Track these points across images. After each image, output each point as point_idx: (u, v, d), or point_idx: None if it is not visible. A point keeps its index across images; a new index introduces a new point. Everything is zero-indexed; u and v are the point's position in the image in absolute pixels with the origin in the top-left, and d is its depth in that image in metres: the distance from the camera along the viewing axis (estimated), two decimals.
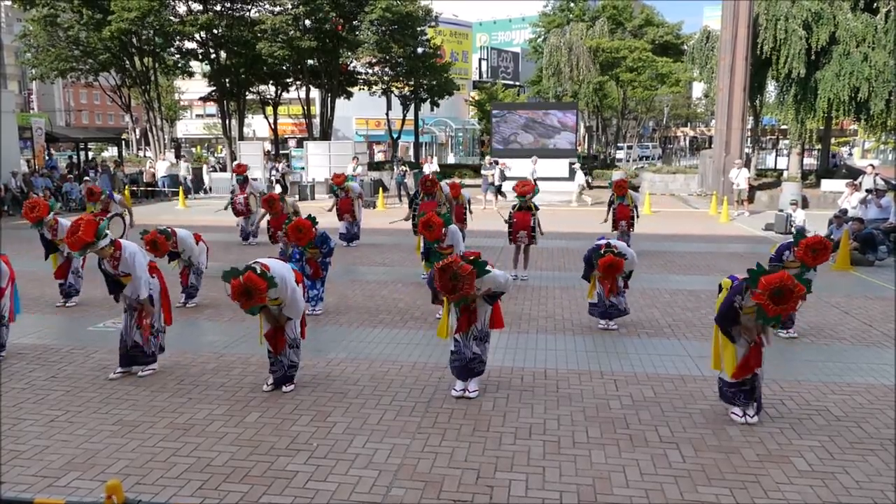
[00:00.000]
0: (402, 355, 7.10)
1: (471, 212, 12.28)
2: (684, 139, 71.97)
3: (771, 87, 28.24)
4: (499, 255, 12.27)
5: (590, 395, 5.99)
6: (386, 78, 34.04)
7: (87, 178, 23.98)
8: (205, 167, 30.84)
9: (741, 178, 21.00)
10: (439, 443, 5.05)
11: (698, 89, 61.57)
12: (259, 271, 5.51)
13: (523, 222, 10.46)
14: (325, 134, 32.67)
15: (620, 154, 47.17)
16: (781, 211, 17.59)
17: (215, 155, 43.37)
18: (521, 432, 5.24)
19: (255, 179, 15.07)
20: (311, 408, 5.69)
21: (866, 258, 12.47)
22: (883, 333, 7.99)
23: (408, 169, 25.87)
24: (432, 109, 37.23)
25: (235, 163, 19.69)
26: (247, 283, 5.41)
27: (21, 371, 6.63)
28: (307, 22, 29.53)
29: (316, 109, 35.59)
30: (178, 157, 31.18)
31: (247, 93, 34.04)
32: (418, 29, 32.63)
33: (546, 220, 11.43)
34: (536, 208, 10.82)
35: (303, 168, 28.24)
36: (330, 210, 14.45)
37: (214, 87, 32.61)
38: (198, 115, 61.23)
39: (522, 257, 11.01)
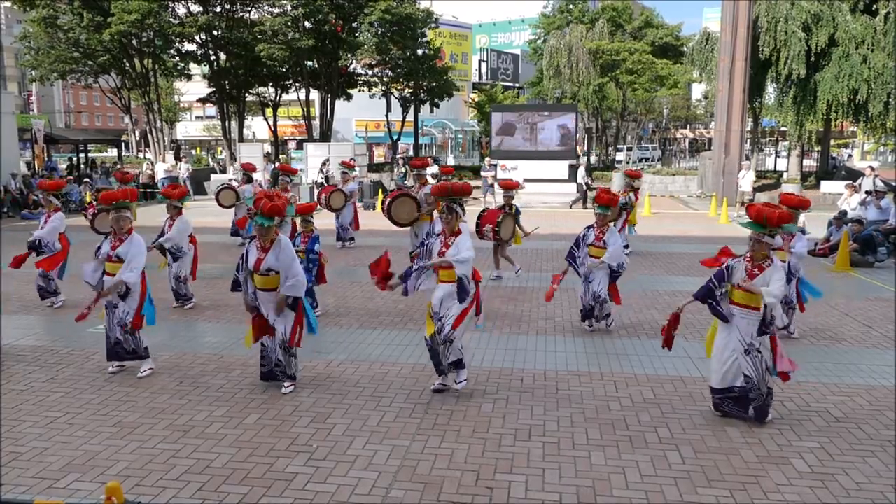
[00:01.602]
0: (401, 357, 7.10)
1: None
2: (684, 141, 72.00)
3: (770, 89, 28.29)
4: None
5: (589, 397, 5.99)
6: (385, 79, 34.05)
7: (87, 179, 24.02)
8: (231, 168, 29.57)
9: (746, 180, 20.97)
10: (439, 444, 5.05)
11: (698, 91, 61.77)
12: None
13: (490, 218, 10.35)
14: (325, 136, 32.67)
15: (620, 156, 47.18)
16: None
17: (216, 157, 43.27)
18: (521, 434, 5.24)
19: (256, 180, 15.34)
20: (310, 409, 5.69)
21: (866, 259, 12.48)
22: (883, 335, 8.00)
23: (408, 170, 25.85)
24: (432, 111, 37.25)
25: (243, 162, 20.18)
26: (275, 194, 6.24)
27: (20, 373, 6.62)
28: (307, 23, 29.54)
29: (315, 111, 35.61)
30: (177, 158, 31.09)
31: (246, 94, 34.04)
32: (418, 31, 32.62)
33: (544, 222, 11.43)
34: (518, 211, 10.86)
35: (302, 170, 28.23)
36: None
37: (214, 89, 32.62)
38: (197, 117, 61.24)
39: (500, 257, 11.02)
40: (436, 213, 8.45)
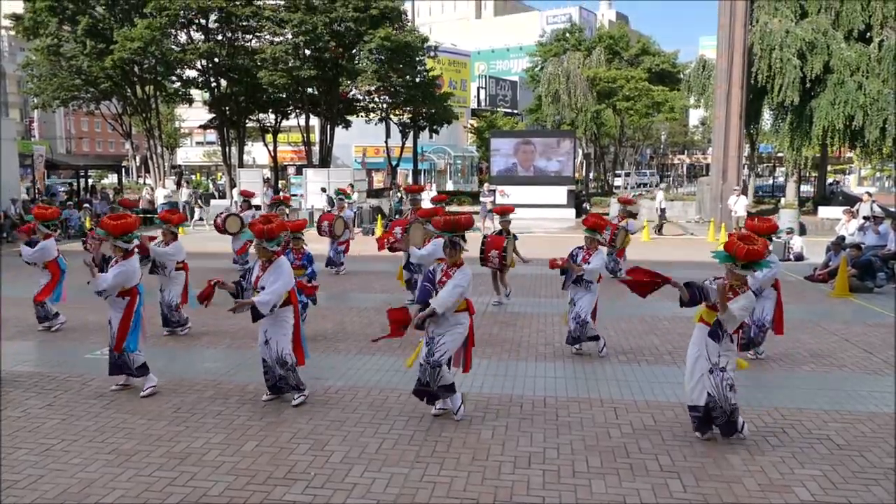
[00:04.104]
0: (400, 383, 7.05)
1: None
2: (682, 167, 72.43)
3: (767, 115, 28.53)
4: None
5: (590, 424, 5.95)
6: (385, 105, 34.32)
7: (86, 205, 24.07)
8: (233, 194, 28.53)
9: (739, 205, 21.10)
10: (438, 472, 5.00)
11: (695, 117, 62.29)
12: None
13: (495, 244, 10.45)
14: (325, 161, 32.83)
15: (618, 181, 47.46)
16: (778, 238, 17.59)
17: (216, 182, 43.31)
18: (521, 461, 5.19)
19: (258, 208, 15.57)
20: (308, 436, 5.64)
21: (865, 285, 12.47)
22: (883, 361, 7.96)
23: (404, 195, 25.94)
24: (431, 137, 37.46)
25: (242, 189, 20.55)
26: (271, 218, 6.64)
27: (17, 399, 6.58)
28: (307, 51, 29.86)
29: (315, 137, 35.83)
30: (179, 184, 31.18)
31: (247, 120, 34.27)
32: (417, 58, 32.97)
33: (546, 247, 11.47)
34: (515, 237, 10.93)
35: (301, 195, 28.35)
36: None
37: (214, 115, 32.86)
38: (198, 143, 61.59)
39: (500, 281, 11.05)
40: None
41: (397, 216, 24.51)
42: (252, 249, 10.99)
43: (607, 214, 21.83)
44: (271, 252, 6.26)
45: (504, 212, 11.24)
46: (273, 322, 6.26)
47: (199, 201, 27.86)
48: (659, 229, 22.38)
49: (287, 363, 6.29)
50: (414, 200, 11.55)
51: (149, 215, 25.85)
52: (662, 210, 23.32)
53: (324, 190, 25.50)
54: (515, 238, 10.96)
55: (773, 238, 7.76)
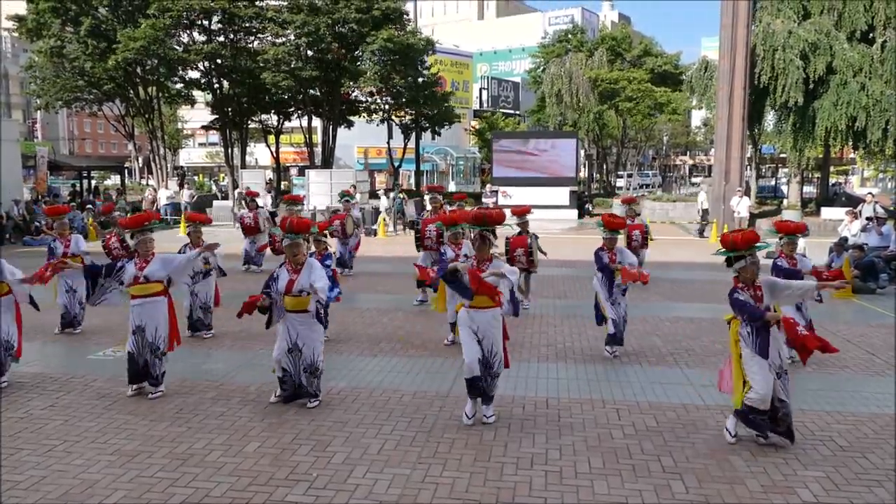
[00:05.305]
0: (402, 384, 7.06)
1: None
2: (684, 168, 72.42)
3: (769, 116, 28.51)
4: None
5: (592, 425, 5.94)
6: (387, 106, 34.36)
7: (89, 206, 24.12)
8: (234, 195, 27.81)
9: (742, 206, 21.08)
10: (440, 473, 5.00)
11: (697, 118, 62.25)
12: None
13: (519, 242, 10.39)
14: (327, 162, 32.85)
15: (621, 182, 47.45)
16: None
17: (218, 183, 43.43)
18: (523, 462, 5.18)
19: (261, 207, 15.88)
20: (310, 437, 5.65)
21: (868, 286, 12.46)
22: (885, 362, 7.95)
23: (405, 196, 25.96)
24: (433, 138, 37.46)
25: (247, 188, 21.55)
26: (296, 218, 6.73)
27: (20, 400, 6.59)
28: (309, 52, 29.90)
29: (317, 138, 35.87)
30: (181, 185, 31.24)
31: (249, 121, 34.30)
32: (419, 59, 32.98)
33: (547, 248, 11.44)
34: (535, 236, 10.82)
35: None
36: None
37: (217, 116, 32.91)
38: (200, 144, 61.66)
39: (523, 284, 10.97)
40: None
41: (399, 216, 24.55)
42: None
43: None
44: (300, 248, 6.28)
45: (521, 213, 11.01)
46: (306, 325, 6.24)
47: (244, 203, 27.24)
48: (702, 232, 21.95)
49: (319, 369, 6.31)
50: (434, 199, 11.76)
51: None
52: (705, 211, 22.52)
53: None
54: (536, 237, 10.66)
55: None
